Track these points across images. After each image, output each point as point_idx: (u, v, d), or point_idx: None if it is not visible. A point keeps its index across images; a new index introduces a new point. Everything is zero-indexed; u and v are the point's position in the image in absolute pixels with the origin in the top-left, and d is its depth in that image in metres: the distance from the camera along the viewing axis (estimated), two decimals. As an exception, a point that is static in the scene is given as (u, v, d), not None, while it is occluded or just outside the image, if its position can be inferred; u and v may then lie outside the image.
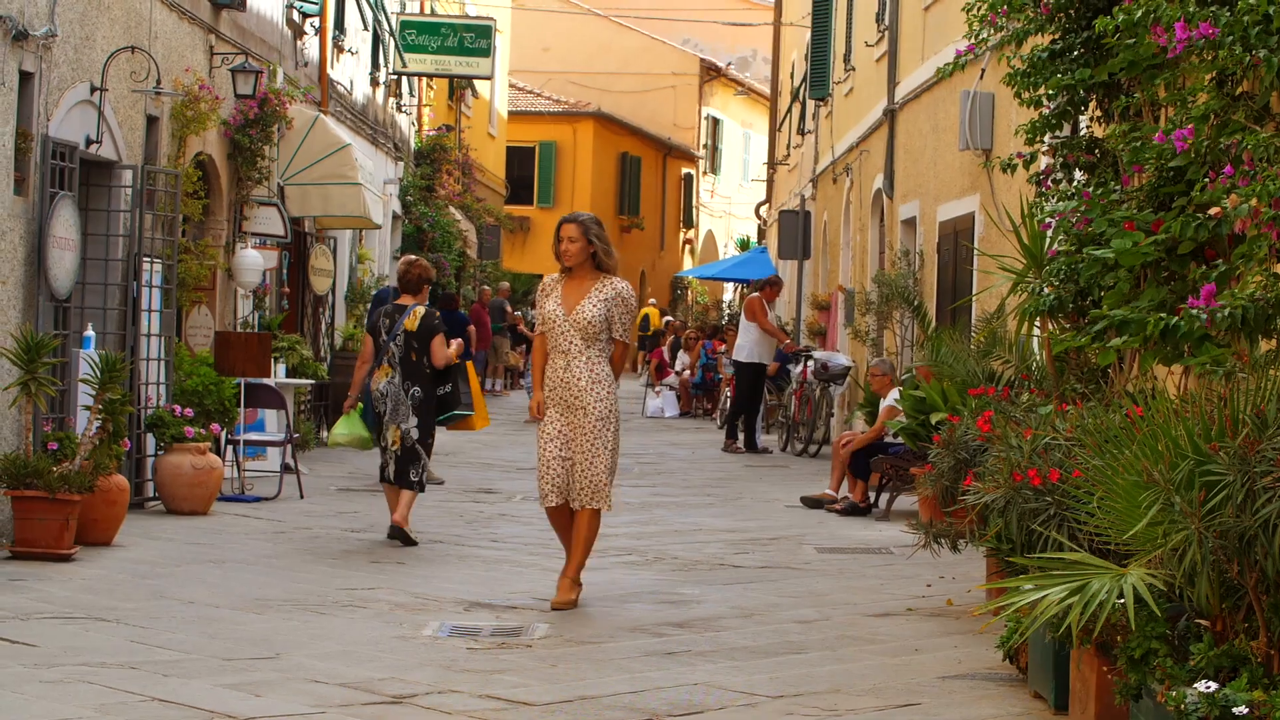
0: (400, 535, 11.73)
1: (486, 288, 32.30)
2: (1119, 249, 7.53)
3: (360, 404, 12.09)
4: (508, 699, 7.11)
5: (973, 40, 9.68)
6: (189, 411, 13.18)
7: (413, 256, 12.67)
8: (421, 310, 12.03)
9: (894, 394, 14.70)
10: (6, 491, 10.62)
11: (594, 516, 9.52)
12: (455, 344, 12.28)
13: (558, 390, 9.48)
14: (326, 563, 11.06)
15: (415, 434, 11.86)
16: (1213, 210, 6.85)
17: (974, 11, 9.49)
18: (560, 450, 9.45)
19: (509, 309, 33.95)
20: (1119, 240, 7.57)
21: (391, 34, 23.95)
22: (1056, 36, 9.17)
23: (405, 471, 11.82)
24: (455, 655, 8.05)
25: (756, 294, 22.79)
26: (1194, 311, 6.64)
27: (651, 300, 42.42)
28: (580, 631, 8.78)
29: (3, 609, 8.78)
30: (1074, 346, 8.22)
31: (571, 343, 9.47)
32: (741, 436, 21.93)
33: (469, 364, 12.70)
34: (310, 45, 19.32)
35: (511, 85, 41.40)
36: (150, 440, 13.26)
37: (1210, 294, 6.67)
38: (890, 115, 19.97)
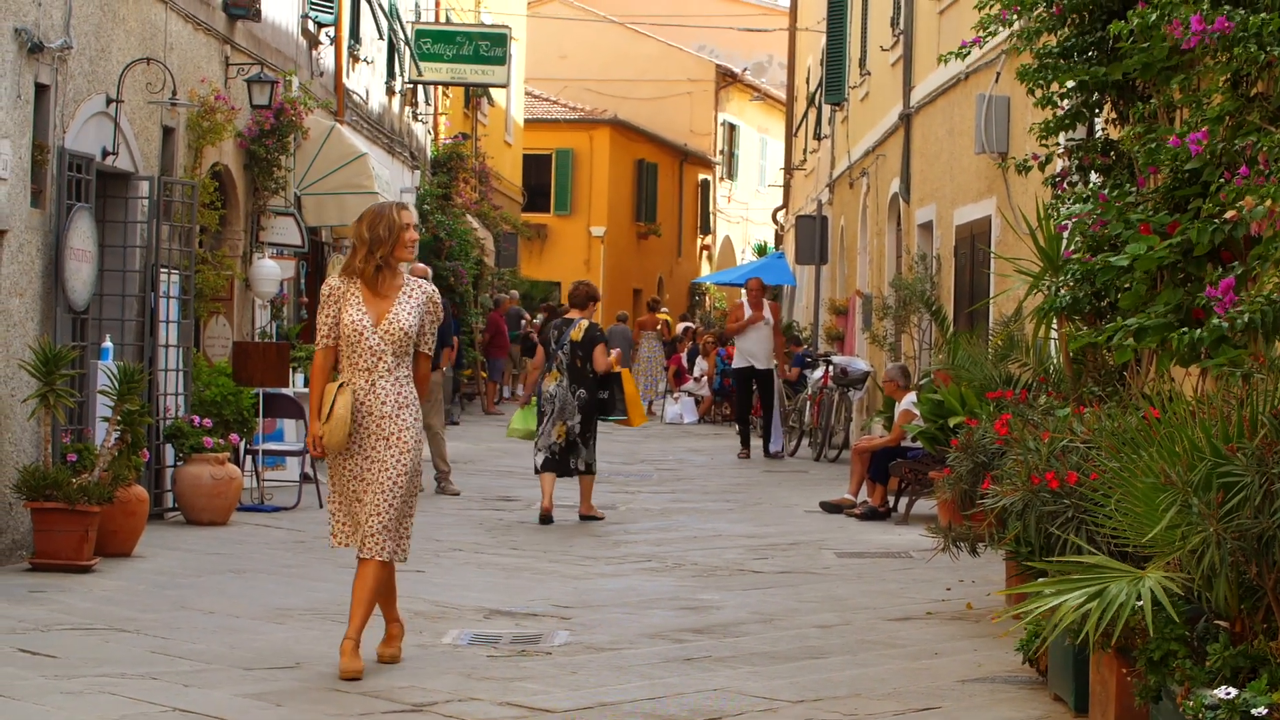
0: (589, 519, 13.96)
1: (509, 294, 32.34)
2: (1134, 254, 7.51)
3: (531, 401, 14.54)
4: (528, 706, 7.12)
5: (981, 35, 9.66)
6: (208, 422, 13.22)
7: (582, 280, 15.10)
8: (586, 324, 14.10)
9: (909, 398, 14.70)
10: (26, 503, 10.65)
11: (382, 569, 7.82)
12: (615, 353, 14.36)
13: (355, 415, 7.81)
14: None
15: (578, 429, 13.94)
16: (1229, 214, 6.83)
17: (986, 9, 9.48)
18: (354, 485, 7.87)
19: (526, 317, 33.98)
20: (1134, 245, 7.55)
21: (407, 43, 23.99)
22: (1069, 36, 9.15)
23: (567, 461, 13.89)
24: (475, 663, 8.06)
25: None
26: (1215, 321, 6.62)
27: (664, 308, 42.35)
28: (600, 638, 8.79)
29: (24, 621, 8.81)
30: (1091, 344, 8.21)
31: (380, 359, 7.79)
32: (763, 442, 21.79)
33: (625, 371, 14.77)
34: (326, 55, 19.35)
35: (528, 93, 41.42)
36: (169, 451, 13.29)
37: (1229, 287, 6.65)
38: (906, 119, 19.96)
